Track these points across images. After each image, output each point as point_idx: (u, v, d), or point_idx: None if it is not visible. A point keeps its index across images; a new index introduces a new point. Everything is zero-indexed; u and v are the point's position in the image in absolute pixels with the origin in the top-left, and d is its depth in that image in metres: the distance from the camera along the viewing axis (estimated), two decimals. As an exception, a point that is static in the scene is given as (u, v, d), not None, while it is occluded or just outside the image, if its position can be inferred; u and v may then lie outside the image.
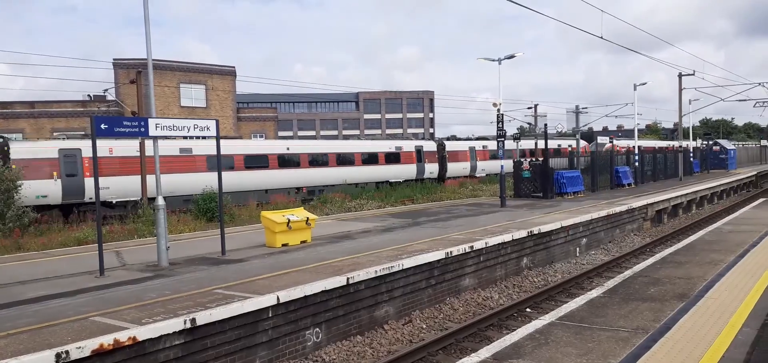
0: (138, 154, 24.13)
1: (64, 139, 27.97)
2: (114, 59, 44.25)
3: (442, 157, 43.60)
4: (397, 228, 17.12)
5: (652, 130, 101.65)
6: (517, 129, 59.30)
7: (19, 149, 24.50)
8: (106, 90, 35.35)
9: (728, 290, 8.98)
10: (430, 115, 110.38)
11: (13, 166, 22.15)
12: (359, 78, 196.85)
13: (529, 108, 54.55)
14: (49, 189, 24.11)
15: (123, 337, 6.88)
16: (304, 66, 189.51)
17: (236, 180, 28.89)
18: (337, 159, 35.34)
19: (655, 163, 38.43)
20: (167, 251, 11.95)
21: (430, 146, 43.25)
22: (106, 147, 25.32)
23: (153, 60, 12.41)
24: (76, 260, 13.16)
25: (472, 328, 10.76)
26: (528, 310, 12.17)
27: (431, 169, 41.99)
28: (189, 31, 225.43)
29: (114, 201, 25.71)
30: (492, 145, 43.24)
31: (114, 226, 20.06)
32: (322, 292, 9.53)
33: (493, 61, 25.15)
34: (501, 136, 24.26)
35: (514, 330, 7.90)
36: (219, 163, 13.32)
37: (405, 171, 39.76)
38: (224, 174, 13.94)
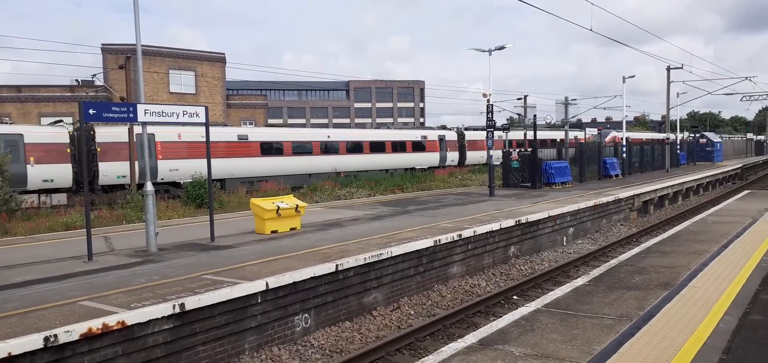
0: (202, 139, 24.64)
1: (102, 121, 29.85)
2: (102, 44, 43.90)
3: (461, 145, 45.47)
4: (386, 216, 17.19)
5: (640, 122, 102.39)
6: (507, 120, 59.40)
7: (103, 133, 26.47)
8: (95, 75, 35.10)
9: (711, 280, 9.13)
10: (421, 104, 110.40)
11: (100, 148, 25.73)
12: (350, 67, 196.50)
13: (518, 99, 54.74)
14: (127, 169, 25.48)
15: (111, 321, 6.89)
16: (295, 54, 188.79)
17: (286, 164, 32.14)
18: (371, 146, 37.90)
19: (642, 154, 38.74)
20: (156, 237, 11.94)
21: (451, 135, 45.39)
22: (176, 133, 27.64)
23: (142, 46, 12.34)
24: (64, 245, 13.11)
25: (460, 315, 10.87)
26: (515, 297, 12.30)
27: (452, 156, 43.97)
28: (179, 17, 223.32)
29: (181, 181, 27.21)
30: (508, 135, 46.22)
31: (102, 212, 19.97)
32: (312, 278, 9.58)
33: (484, 51, 25.21)
34: (490, 126, 24.34)
35: (501, 316, 8.00)
36: (207, 148, 13.28)
37: (429, 159, 41.93)
38: (275, 159, 15.18)
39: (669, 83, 41.09)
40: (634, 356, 5.92)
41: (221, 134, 29.77)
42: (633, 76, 39.39)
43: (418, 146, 41.02)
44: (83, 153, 11.13)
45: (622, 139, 36.57)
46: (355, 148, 36.85)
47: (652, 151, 40.75)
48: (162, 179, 27.14)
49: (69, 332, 6.48)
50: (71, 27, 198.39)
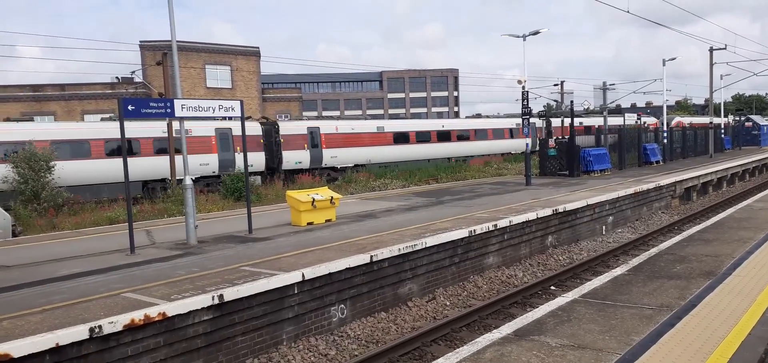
0: (352, 131, 34.39)
1: (283, 118, 36.92)
2: (140, 41, 44.84)
3: (548, 132, 46.05)
4: (420, 207, 17.17)
5: (682, 107, 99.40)
6: (544, 106, 58.53)
7: (283, 127, 31.65)
8: (134, 72, 35.96)
9: (757, 268, 8.84)
10: (455, 93, 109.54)
11: (282, 139, 30.82)
12: (383, 57, 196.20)
13: (555, 85, 53.84)
14: (302, 157, 31.47)
15: (153, 312, 7.09)
16: (328, 45, 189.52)
17: (412, 151, 37.24)
18: (475, 134, 42.28)
19: (684, 139, 37.68)
20: (196, 230, 12.20)
21: (539, 123, 46.77)
22: (334, 126, 33.66)
23: (178, 42, 12.57)
24: (107, 239, 13.52)
25: (496, 306, 10.80)
26: (552, 287, 12.16)
27: (535, 141, 45.38)
28: (213, 11, 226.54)
29: (338, 166, 33.13)
30: (585, 121, 47.21)
31: (144, 206, 20.50)
32: (347, 269, 9.65)
33: (518, 37, 24.86)
34: (526, 113, 24.02)
35: (537, 307, 7.92)
36: (244, 141, 13.49)
37: (521, 144, 43.29)
38: (403, 147, 28.58)
39: (712, 65, 39.80)
40: (674, 347, 5.79)
41: (366, 126, 36.44)
42: (673, 59, 38.35)
43: (512, 133, 44.45)
44: (122, 149, 11.42)
45: (679, 122, 35.64)
46: (463, 136, 41.32)
47: (695, 135, 39.60)
48: (325, 164, 32.64)
49: (113, 323, 6.69)
50: (111, 25, 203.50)
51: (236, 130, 28.63)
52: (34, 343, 6.06)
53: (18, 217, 17.80)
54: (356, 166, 33.60)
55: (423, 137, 38.38)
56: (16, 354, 5.92)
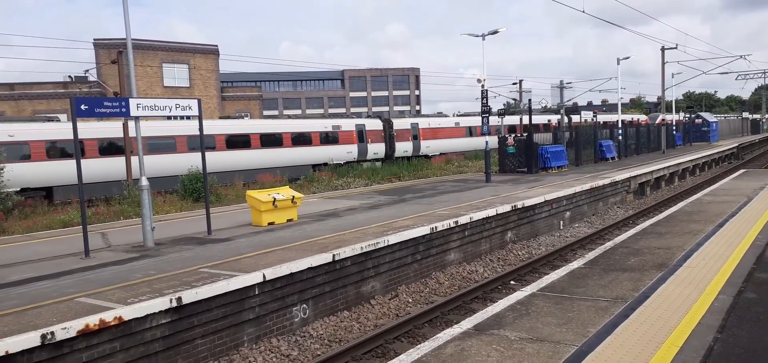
0: (440, 126, 42.90)
1: (383, 116, 42.34)
2: (95, 40, 43.60)
3: (509, 130, 49.48)
4: (383, 205, 17.21)
5: (635, 104, 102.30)
6: (503, 105, 59.39)
7: (396, 124, 39.34)
8: (87, 71, 34.85)
9: (706, 259, 9.17)
10: (417, 92, 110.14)
11: (395, 133, 38.93)
12: (347, 57, 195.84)
13: (514, 84, 54.67)
14: (407, 147, 39.09)
15: (109, 317, 6.91)
16: (292, 44, 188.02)
17: (468, 143, 43.53)
18: (508, 129, 45.57)
19: (638, 136, 38.76)
20: (153, 232, 11.94)
21: (497, 121, 49.47)
22: (427, 123, 41.87)
23: (134, 40, 12.29)
24: (61, 242, 13.11)
25: (457, 302, 10.92)
26: (512, 282, 12.36)
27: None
28: (174, 12, 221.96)
29: (430, 154, 40.24)
30: (503, 120, 49.42)
31: (99, 208, 19.94)
32: (309, 268, 9.60)
33: (477, 36, 25.16)
34: (485, 112, 24.32)
35: (497, 302, 8.04)
36: (202, 142, 13.27)
37: (480, 143, 47.01)
38: (469, 139, 40.25)
39: (664, 64, 41.05)
40: (629, 337, 5.96)
41: (445, 122, 44.43)
42: (627, 58, 39.48)
43: (471, 131, 46.02)
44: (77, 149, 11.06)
45: (628, 120, 36.56)
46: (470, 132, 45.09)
47: (648, 132, 40.77)
48: (421, 152, 39.95)
49: (66, 329, 6.49)
50: (66, 23, 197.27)
51: (369, 125, 37.66)
52: (-19, 352, 5.84)
53: (-36, 221, 17.07)
54: (442, 153, 40.39)
55: (470, 132, 44.46)
56: (-38, 363, 5.69)
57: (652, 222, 13.50)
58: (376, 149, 37.11)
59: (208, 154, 17.17)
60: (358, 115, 53.40)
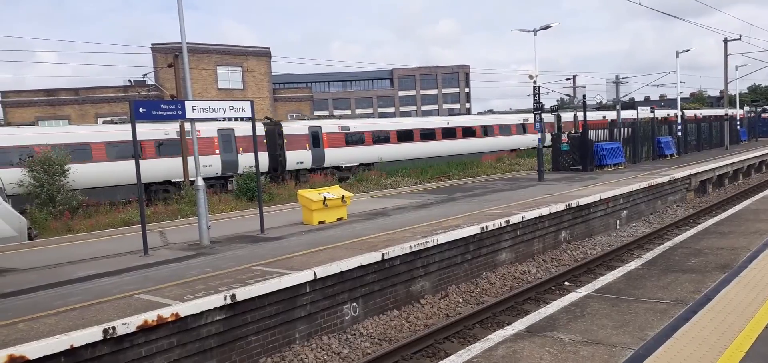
0: (471, 125, 43.52)
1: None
2: (152, 44, 45.14)
3: (559, 127, 48.78)
4: (432, 204, 17.13)
5: (696, 99, 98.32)
6: (556, 101, 58.19)
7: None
8: (146, 74, 36.18)
9: (774, 260, 8.71)
10: (467, 89, 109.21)
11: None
12: (396, 55, 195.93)
13: (567, 79, 53.47)
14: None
15: (166, 313, 7.13)
16: (342, 44, 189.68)
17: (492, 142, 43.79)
18: (485, 131, 44.38)
19: (699, 132, 37.25)
20: (208, 230, 12.27)
21: (551, 118, 50.15)
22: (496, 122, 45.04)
23: (189, 44, 12.64)
24: (122, 240, 13.63)
25: (509, 302, 10.75)
26: (566, 283, 12.08)
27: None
28: (227, 13, 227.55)
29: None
30: (598, 115, 48.11)
31: (158, 207, 20.65)
32: (358, 267, 9.65)
33: (528, 32, 24.70)
34: (538, 108, 23.87)
35: (550, 303, 7.87)
36: (255, 143, 13.53)
37: (533, 140, 47.35)
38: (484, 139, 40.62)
39: (726, 56, 39.32)
40: (690, 342, 5.72)
41: (509, 119, 46.70)
42: (687, 51, 37.97)
43: (524, 128, 46.52)
44: (137, 149, 11.50)
45: (675, 116, 35.23)
46: (470, 132, 43.71)
47: (710, 128, 39.12)
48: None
49: (126, 324, 6.74)
50: (125, 28, 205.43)
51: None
52: (48, 345, 6.12)
53: (34, 220, 18.01)
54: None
55: (504, 131, 44.46)
56: (31, 356, 5.98)
57: (714, 221, 12.94)
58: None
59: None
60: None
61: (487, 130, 43.50)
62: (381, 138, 36.57)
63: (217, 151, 29.20)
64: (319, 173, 31.71)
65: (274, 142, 32.18)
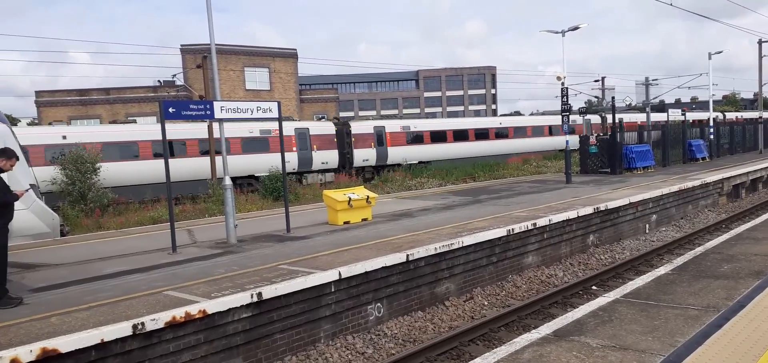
0: (524, 125, 45.21)
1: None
2: (181, 45, 45.82)
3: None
4: (457, 206, 17.05)
5: (729, 101, 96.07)
6: (585, 103, 57.46)
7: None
8: (175, 75, 36.75)
9: (811, 267, 8.47)
10: (492, 91, 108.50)
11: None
12: (422, 56, 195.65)
13: (596, 80, 52.74)
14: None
15: (194, 310, 7.22)
16: (368, 45, 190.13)
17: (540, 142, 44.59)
18: (514, 132, 44.55)
19: (732, 135, 36.39)
20: (235, 229, 12.39)
21: (580, 120, 50.30)
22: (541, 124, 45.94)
23: (218, 45, 12.79)
24: (150, 238, 13.86)
25: (535, 306, 10.64)
26: (594, 287, 11.91)
27: None
28: (254, 15, 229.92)
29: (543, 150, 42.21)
30: (627, 117, 49.06)
31: (186, 206, 20.95)
32: (383, 268, 9.65)
33: (557, 33, 24.45)
34: (566, 110, 23.59)
35: (577, 307, 7.76)
36: (281, 143, 13.63)
37: (560, 142, 50.02)
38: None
39: (761, 57, 38.34)
40: (722, 349, 5.59)
41: (537, 121, 47.19)
42: (720, 52, 36.98)
43: (551, 130, 46.58)
44: (166, 150, 11.67)
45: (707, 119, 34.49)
46: (501, 133, 43.75)
47: (743, 131, 38.19)
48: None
49: (155, 320, 6.84)
50: (156, 30, 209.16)
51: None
52: (80, 339, 6.25)
53: (66, 217, 18.42)
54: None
55: (553, 132, 44.97)
56: (63, 349, 6.11)
57: (747, 226, 12.62)
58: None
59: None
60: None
61: (539, 131, 45.29)
62: (438, 137, 38.72)
63: (294, 148, 31.57)
64: (346, 174, 32.49)
65: (343, 140, 34.33)
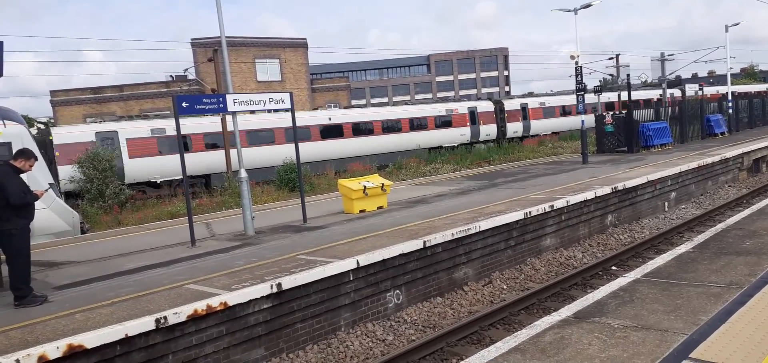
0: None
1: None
2: (192, 39, 45.93)
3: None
4: (472, 191, 16.99)
5: (748, 74, 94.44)
6: (599, 81, 56.85)
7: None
8: (186, 69, 36.91)
9: (835, 241, 8.33)
10: (505, 72, 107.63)
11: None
12: (434, 40, 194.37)
13: (610, 58, 52.08)
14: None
15: (215, 302, 7.29)
16: (380, 32, 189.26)
17: (554, 124, 44.37)
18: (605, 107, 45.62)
19: (751, 109, 35.81)
20: (253, 221, 12.47)
21: (594, 99, 50.92)
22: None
23: (228, 37, 12.80)
24: (169, 232, 13.99)
25: (555, 288, 10.60)
26: (613, 268, 11.83)
27: None
28: (265, 5, 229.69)
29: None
30: (643, 94, 48.11)
31: (203, 199, 21.10)
32: (400, 255, 9.65)
33: (569, 11, 24.15)
34: (580, 89, 23.36)
35: (598, 288, 7.71)
36: (295, 134, 13.65)
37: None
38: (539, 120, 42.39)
39: (780, 29, 37.55)
40: (745, 326, 5.52)
41: (551, 100, 45.83)
42: (737, 24, 36.36)
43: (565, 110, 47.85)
44: (181, 146, 11.74)
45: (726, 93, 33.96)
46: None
47: (763, 104, 37.57)
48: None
49: (177, 314, 6.92)
50: (169, 25, 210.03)
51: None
52: (105, 334, 6.34)
53: (86, 214, 18.64)
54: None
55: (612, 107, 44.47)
56: (89, 345, 6.21)
57: (769, 201, 12.44)
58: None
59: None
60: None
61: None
62: (567, 111, 43.76)
63: (467, 123, 38.03)
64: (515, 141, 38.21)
65: (498, 117, 40.58)
